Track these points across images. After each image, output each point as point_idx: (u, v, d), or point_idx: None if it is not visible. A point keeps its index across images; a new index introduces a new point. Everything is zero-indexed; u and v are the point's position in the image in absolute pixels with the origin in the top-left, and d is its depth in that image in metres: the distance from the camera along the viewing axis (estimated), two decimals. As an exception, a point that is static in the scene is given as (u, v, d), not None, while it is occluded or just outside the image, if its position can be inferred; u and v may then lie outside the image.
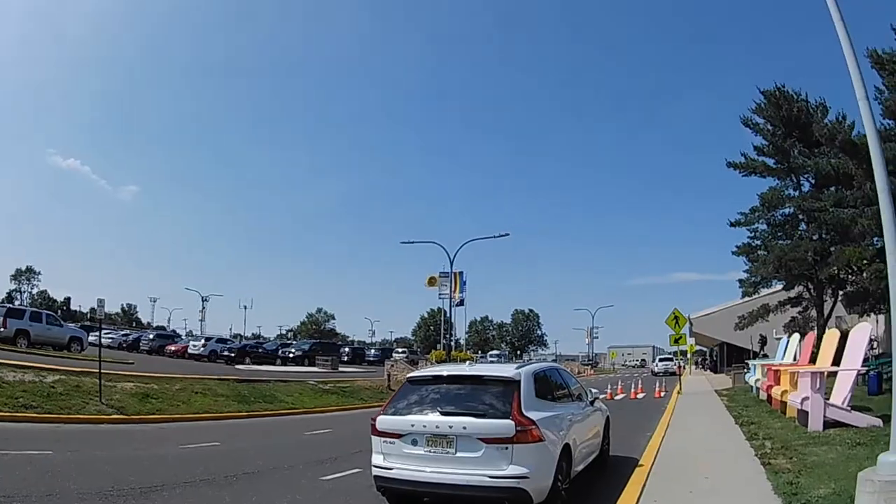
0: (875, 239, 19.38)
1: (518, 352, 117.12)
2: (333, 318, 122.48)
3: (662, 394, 27.61)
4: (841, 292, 25.91)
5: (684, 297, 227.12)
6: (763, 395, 18.88)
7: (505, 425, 6.06)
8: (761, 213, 30.11)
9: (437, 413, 6.44)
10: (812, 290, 28.78)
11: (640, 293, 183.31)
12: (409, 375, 7.64)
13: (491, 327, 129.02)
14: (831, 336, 14.88)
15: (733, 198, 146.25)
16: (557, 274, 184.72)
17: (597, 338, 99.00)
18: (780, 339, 27.43)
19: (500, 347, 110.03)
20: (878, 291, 17.56)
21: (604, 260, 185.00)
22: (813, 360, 16.68)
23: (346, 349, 60.10)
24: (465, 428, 6.15)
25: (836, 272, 26.08)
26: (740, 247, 31.63)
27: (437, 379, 7.09)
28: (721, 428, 13.83)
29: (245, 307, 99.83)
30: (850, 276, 26.33)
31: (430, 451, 6.26)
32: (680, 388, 27.64)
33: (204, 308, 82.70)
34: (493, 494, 6.01)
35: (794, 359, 19.46)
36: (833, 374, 13.07)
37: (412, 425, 6.41)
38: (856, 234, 18.52)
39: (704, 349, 74.53)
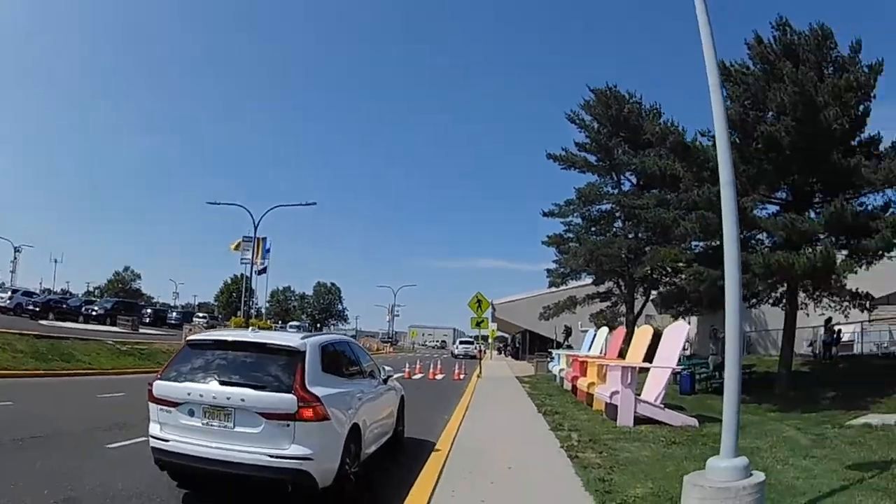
0: (694, 243, 20.81)
1: (318, 325, 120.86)
2: (140, 279, 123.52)
3: (462, 376, 28.47)
4: (654, 292, 27.98)
5: (489, 283, 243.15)
6: (567, 386, 19.72)
7: (286, 400, 5.95)
8: (577, 206, 32.19)
9: (216, 382, 6.25)
10: (623, 287, 31.15)
11: (445, 275, 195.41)
12: (189, 338, 7.36)
13: (293, 298, 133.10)
14: (644, 332, 15.56)
15: (549, 190, 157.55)
16: (362, 250, 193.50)
17: (398, 316, 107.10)
18: (586, 331, 29.14)
19: (301, 319, 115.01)
20: (696, 293, 18.82)
21: (409, 241, 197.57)
22: (621, 354, 17.54)
23: (148, 310, 62.34)
24: (243, 400, 5.98)
25: (649, 272, 28.10)
26: (551, 237, 33.55)
27: (218, 344, 6.87)
28: (523, 416, 14.05)
29: (56, 261, 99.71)
30: (663, 277, 28.54)
31: (206, 424, 6.06)
32: (480, 372, 28.51)
33: (16, 259, 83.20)
34: (273, 475, 5.87)
35: (601, 352, 20.47)
36: (644, 370, 13.58)
37: (188, 394, 6.18)
38: (677, 235, 19.73)
39: (506, 335, 78.87)
